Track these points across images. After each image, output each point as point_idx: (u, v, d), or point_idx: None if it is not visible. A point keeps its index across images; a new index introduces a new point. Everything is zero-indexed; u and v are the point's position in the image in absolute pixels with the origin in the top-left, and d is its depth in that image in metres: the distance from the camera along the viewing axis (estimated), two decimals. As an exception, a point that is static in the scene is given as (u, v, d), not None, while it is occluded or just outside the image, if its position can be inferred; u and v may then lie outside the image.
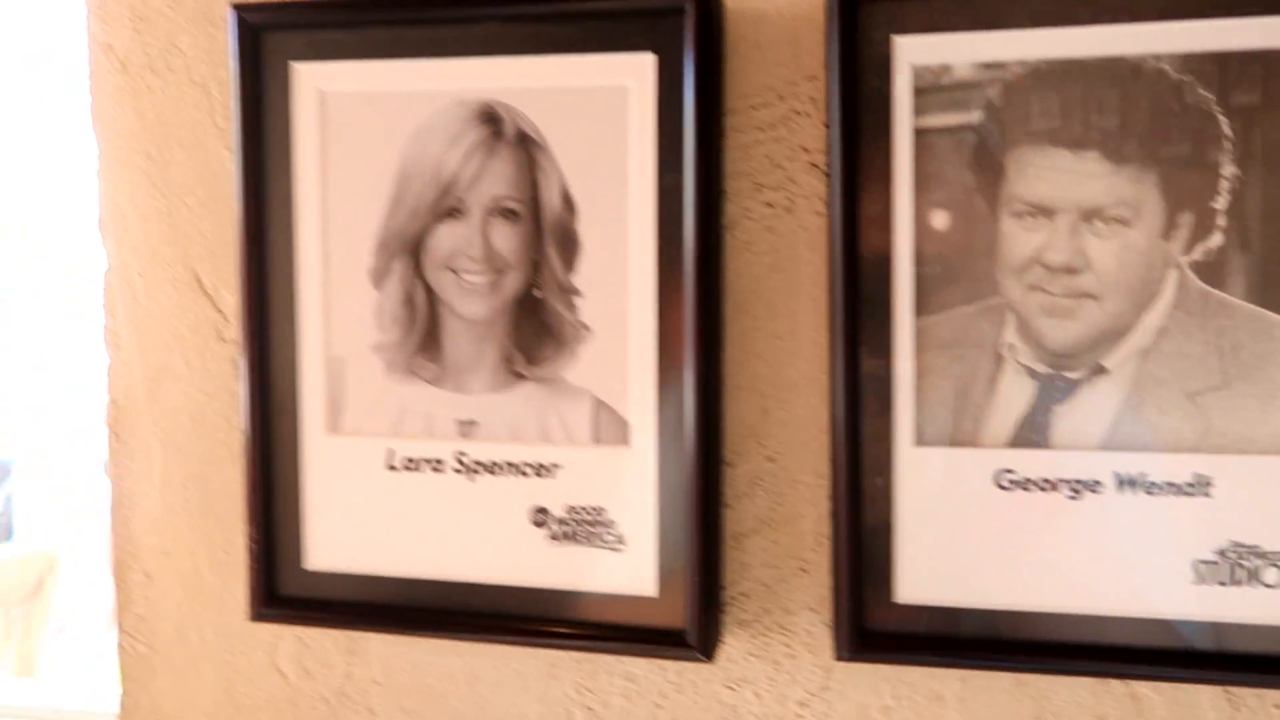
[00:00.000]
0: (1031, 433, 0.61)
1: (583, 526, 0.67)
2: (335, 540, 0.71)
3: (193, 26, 0.74)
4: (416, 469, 0.69)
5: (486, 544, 0.69)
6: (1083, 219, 0.59)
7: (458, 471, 0.68)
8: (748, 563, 0.70)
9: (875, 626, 0.64)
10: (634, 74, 0.63)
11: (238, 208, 0.68)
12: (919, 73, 0.60)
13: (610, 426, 0.66)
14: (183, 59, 0.75)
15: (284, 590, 0.72)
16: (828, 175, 0.66)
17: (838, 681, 0.69)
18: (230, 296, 0.76)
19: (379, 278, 0.68)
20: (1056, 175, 0.59)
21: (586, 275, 0.65)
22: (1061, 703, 0.66)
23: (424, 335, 0.68)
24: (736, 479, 0.69)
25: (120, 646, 0.81)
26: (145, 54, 0.75)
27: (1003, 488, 0.62)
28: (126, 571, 0.80)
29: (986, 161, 0.60)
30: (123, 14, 0.75)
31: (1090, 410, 0.60)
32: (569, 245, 0.65)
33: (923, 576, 0.63)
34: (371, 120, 0.67)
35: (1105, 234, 0.59)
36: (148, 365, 0.78)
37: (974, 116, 0.60)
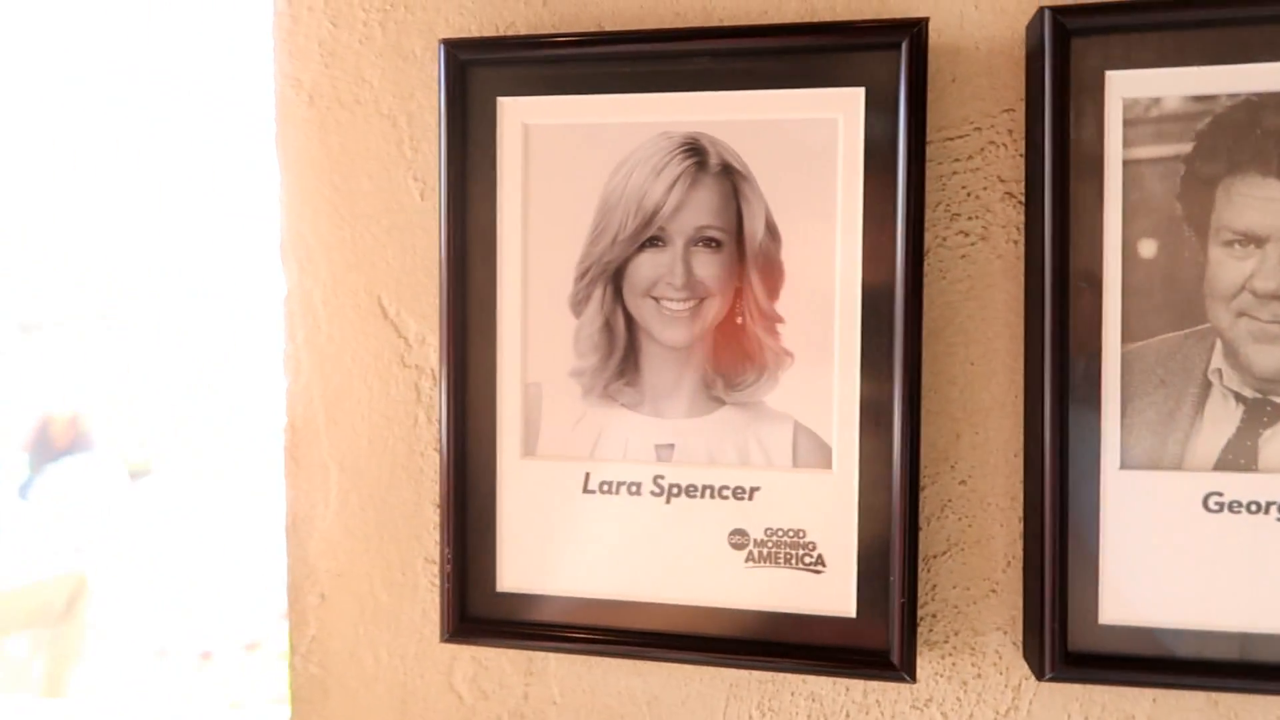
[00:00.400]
0: (1239, 456, 0.62)
1: (781, 548, 0.69)
2: (529, 563, 0.72)
3: (381, 60, 0.77)
4: (613, 492, 0.71)
5: (683, 566, 0.70)
6: (1293, 247, 0.60)
7: (655, 494, 0.70)
8: (937, 584, 0.71)
9: (1078, 647, 0.65)
10: (844, 107, 0.65)
11: (441, 235, 0.70)
12: (1129, 105, 0.62)
13: (811, 450, 0.68)
14: (371, 91, 0.77)
15: (475, 612, 0.73)
16: (1024, 204, 0.67)
17: (1026, 701, 0.70)
18: (414, 322, 0.77)
19: (578, 305, 0.70)
20: (1266, 205, 0.61)
21: (789, 302, 0.67)
22: (1256, 722, 0.67)
23: (622, 361, 0.70)
24: (927, 501, 0.70)
25: (292, 667, 0.82)
26: (333, 87, 0.77)
27: (1210, 510, 0.63)
28: (301, 593, 0.82)
29: (1195, 192, 0.62)
30: (312, 49, 0.78)
31: (1299, 434, 0.62)
32: (773, 273, 0.67)
33: (1127, 598, 0.64)
34: (575, 151, 0.69)
35: (1316, 262, 0.60)
36: (327, 389, 0.80)
37: (1183, 148, 0.62)
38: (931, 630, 0.71)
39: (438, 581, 0.78)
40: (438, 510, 0.78)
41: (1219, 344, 0.62)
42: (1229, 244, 0.62)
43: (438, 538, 0.78)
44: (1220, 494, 0.63)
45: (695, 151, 0.67)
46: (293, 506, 0.82)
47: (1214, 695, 0.67)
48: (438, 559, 0.78)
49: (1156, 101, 0.62)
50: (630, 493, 0.70)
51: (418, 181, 0.77)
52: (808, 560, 0.68)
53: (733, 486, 0.69)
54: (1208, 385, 0.63)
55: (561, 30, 0.72)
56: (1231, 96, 0.61)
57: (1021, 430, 0.69)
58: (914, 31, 0.62)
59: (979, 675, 0.71)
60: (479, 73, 0.69)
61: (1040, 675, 0.65)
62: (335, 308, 0.79)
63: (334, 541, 0.81)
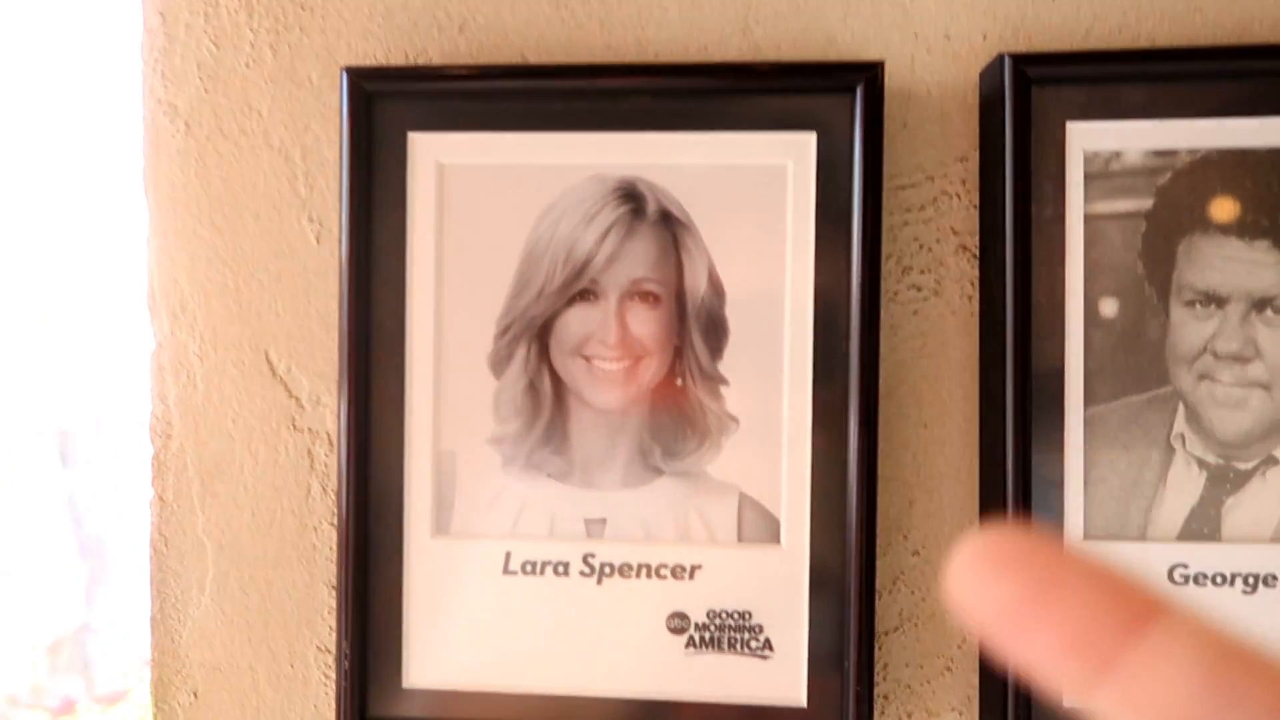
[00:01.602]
0: (1203, 525, 0.60)
1: (725, 632, 0.62)
2: (441, 654, 0.64)
3: (272, 87, 0.68)
4: (538, 573, 0.63)
5: (617, 654, 0.63)
6: (1254, 308, 0.58)
7: (585, 575, 0.63)
8: (889, 662, 0.66)
9: (1041, 731, 0.61)
10: (793, 153, 0.60)
11: (342, 283, 0.62)
12: (1089, 158, 0.59)
13: (758, 523, 0.62)
14: (259, 121, 0.68)
15: (378, 711, 0.64)
16: (978, 258, 0.64)
17: (983, 787, 0.66)
18: (307, 380, 0.68)
19: (499, 364, 0.63)
20: (1228, 264, 0.58)
21: (734, 362, 0.61)
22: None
23: (549, 426, 0.63)
24: (879, 574, 0.65)
25: (158, 777, 0.71)
26: (214, 115, 0.68)
27: (1176, 583, 0.60)
28: (169, 690, 0.71)
29: (1157, 249, 0.59)
30: (189, 72, 0.68)
31: (1263, 502, 0.59)
32: (716, 331, 0.61)
33: (1092, 677, 0.60)
34: (496, 194, 0.62)
35: (1276, 323, 0.58)
36: (203, 457, 0.70)
37: (1145, 204, 0.59)
38: (883, 713, 0.66)
39: (333, 674, 0.68)
40: (334, 593, 0.68)
41: (1182, 408, 0.60)
42: (1190, 304, 0.59)
43: (333, 624, 0.68)
44: (1185, 565, 0.60)
45: (631, 197, 0.61)
46: (160, 591, 0.71)
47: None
48: (333, 648, 0.68)
49: (1118, 155, 0.59)
50: (557, 573, 0.63)
51: (313, 223, 0.68)
52: (754, 645, 0.62)
53: (671, 565, 0.62)
54: (1171, 451, 0.60)
55: (481, 61, 0.65)
56: (1192, 152, 0.59)
57: (977, 497, 0.65)
58: (870, 75, 0.58)
59: (933, 761, 0.66)
60: (387, 105, 0.62)
61: (1004, 764, 0.60)
62: (214, 364, 0.69)
63: (209, 630, 0.70)
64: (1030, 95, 0.58)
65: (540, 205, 0.62)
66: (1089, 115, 0.59)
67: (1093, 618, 0.16)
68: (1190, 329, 0.59)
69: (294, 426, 0.69)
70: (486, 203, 0.62)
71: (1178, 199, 0.59)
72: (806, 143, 0.60)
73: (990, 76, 0.61)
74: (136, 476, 0.72)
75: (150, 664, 0.71)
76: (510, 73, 0.61)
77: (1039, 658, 0.17)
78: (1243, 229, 0.58)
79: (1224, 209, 0.58)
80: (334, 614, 0.67)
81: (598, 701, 0.63)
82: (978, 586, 0.17)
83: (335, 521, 0.66)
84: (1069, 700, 0.19)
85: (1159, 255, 0.59)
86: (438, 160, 0.62)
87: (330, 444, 0.69)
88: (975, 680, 0.65)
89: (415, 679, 0.64)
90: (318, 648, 0.70)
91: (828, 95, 0.59)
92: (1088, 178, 0.59)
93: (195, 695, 0.71)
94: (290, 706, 0.70)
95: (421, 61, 0.66)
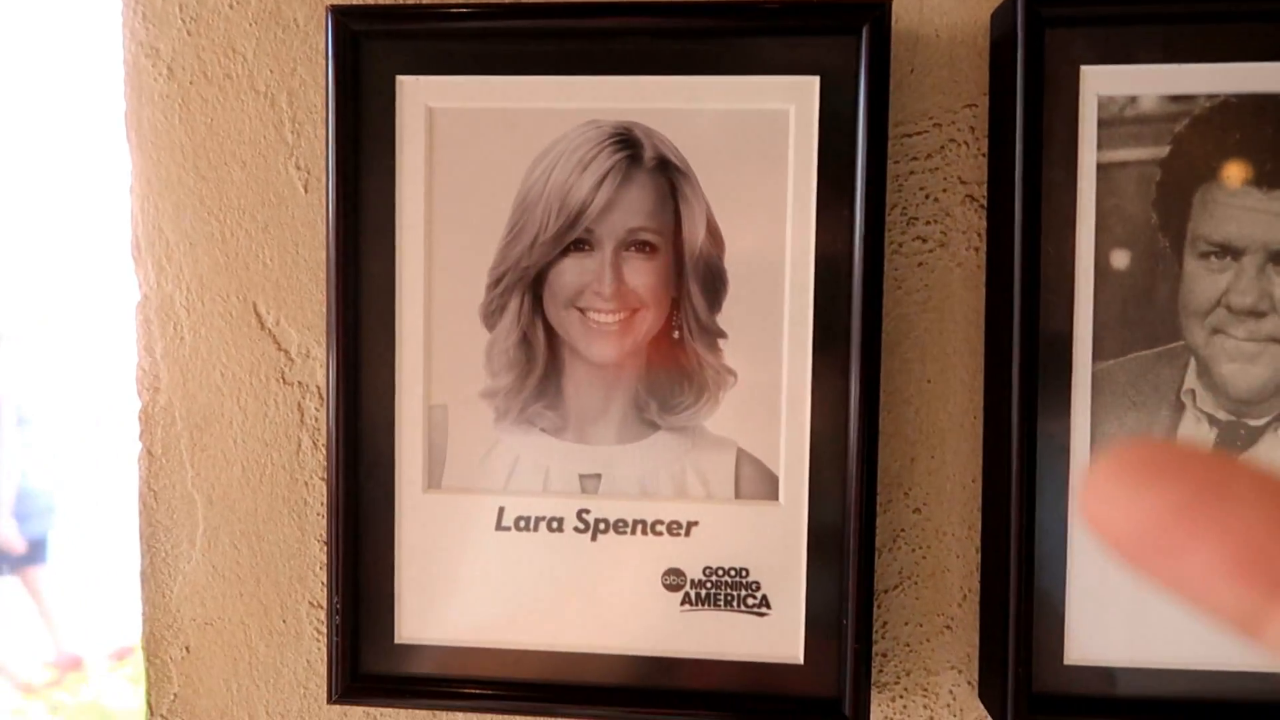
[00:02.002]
0: (1211, 483, 0.58)
1: (722, 589, 0.61)
2: (434, 610, 0.63)
3: (257, 29, 0.66)
4: (531, 529, 0.62)
5: (612, 610, 0.62)
6: (1271, 260, 0.56)
7: (579, 531, 0.62)
8: (888, 620, 0.65)
9: (1042, 689, 0.60)
10: (796, 97, 0.57)
11: (329, 233, 0.60)
12: (1104, 103, 0.57)
13: (755, 479, 0.60)
14: (244, 65, 0.66)
15: (370, 667, 0.64)
16: (986, 209, 0.62)
17: (981, 745, 0.65)
18: (296, 333, 0.67)
19: (492, 316, 0.61)
20: (1244, 214, 0.56)
21: (733, 315, 0.60)
22: (1216, 760, 0.63)
23: (542, 380, 0.61)
24: (879, 532, 0.64)
25: (152, 731, 0.71)
26: (198, 58, 0.66)
27: (1182, 541, 0.58)
28: (161, 646, 0.70)
29: (1171, 199, 0.57)
30: (172, 13, 0.66)
31: (1274, 459, 0.58)
32: (714, 282, 0.59)
33: (1095, 636, 0.59)
34: (488, 140, 0.60)
35: (1293, 276, 0.56)
36: (192, 410, 0.68)
37: (1160, 152, 0.57)
38: (881, 671, 0.65)
39: (325, 630, 0.68)
40: (324, 549, 0.67)
41: (1193, 363, 0.58)
42: (1205, 256, 0.57)
43: (325, 579, 0.67)
44: (1192, 524, 0.58)
45: (628, 144, 0.59)
46: (150, 546, 0.70)
47: (1175, 734, 0.63)
48: (325, 604, 0.68)
49: (1133, 100, 0.57)
50: (551, 529, 0.62)
51: (301, 171, 0.66)
52: (751, 602, 0.61)
53: (667, 521, 0.61)
54: (1180, 407, 0.58)
55: (472, 0, 0.62)
56: (1210, 97, 0.56)
57: (980, 454, 0.63)
58: (876, 16, 0.56)
59: (931, 718, 0.65)
60: (374, 47, 0.59)
61: (1003, 723, 0.59)
62: (201, 315, 0.68)
63: (201, 586, 0.70)
64: (1043, 37, 0.56)
65: (533, 151, 0.59)
66: (1104, 59, 0.56)
67: (1268, 533, 0.14)
68: (1204, 282, 0.57)
69: (283, 380, 0.68)
70: (478, 149, 0.60)
71: (1194, 147, 0.57)
72: (809, 87, 0.57)
73: (1002, 18, 0.58)
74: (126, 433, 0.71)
75: (142, 618, 0.71)
76: (503, 12, 0.58)
77: (1197, 581, 0.15)
78: (1261, 178, 0.56)
79: (1242, 157, 0.56)
80: (325, 569, 0.66)
81: (592, 658, 0.62)
82: (1125, 497, 0.15)
83: (326, 476, 0.64)
84: (1230, 633, 0.16)
85: (1173, 205, 0.57)
86: (427, 104, 0.60)
87: (321, 398, 0.67)
88: (975, 639, 0.64)
89: (408, 635, 0.63)
90: (310, 603, 0.69)
91: (832, 37, 0.56)
92: (1101, 124, 0.57)
93: (187, 650, 0.70)
94: (283, 662, 0.69)
95: (410, 0, 0.64)
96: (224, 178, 0.67)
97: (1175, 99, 0.56)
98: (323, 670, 0.69)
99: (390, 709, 0.68)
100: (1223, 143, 0.56)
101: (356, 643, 0.63)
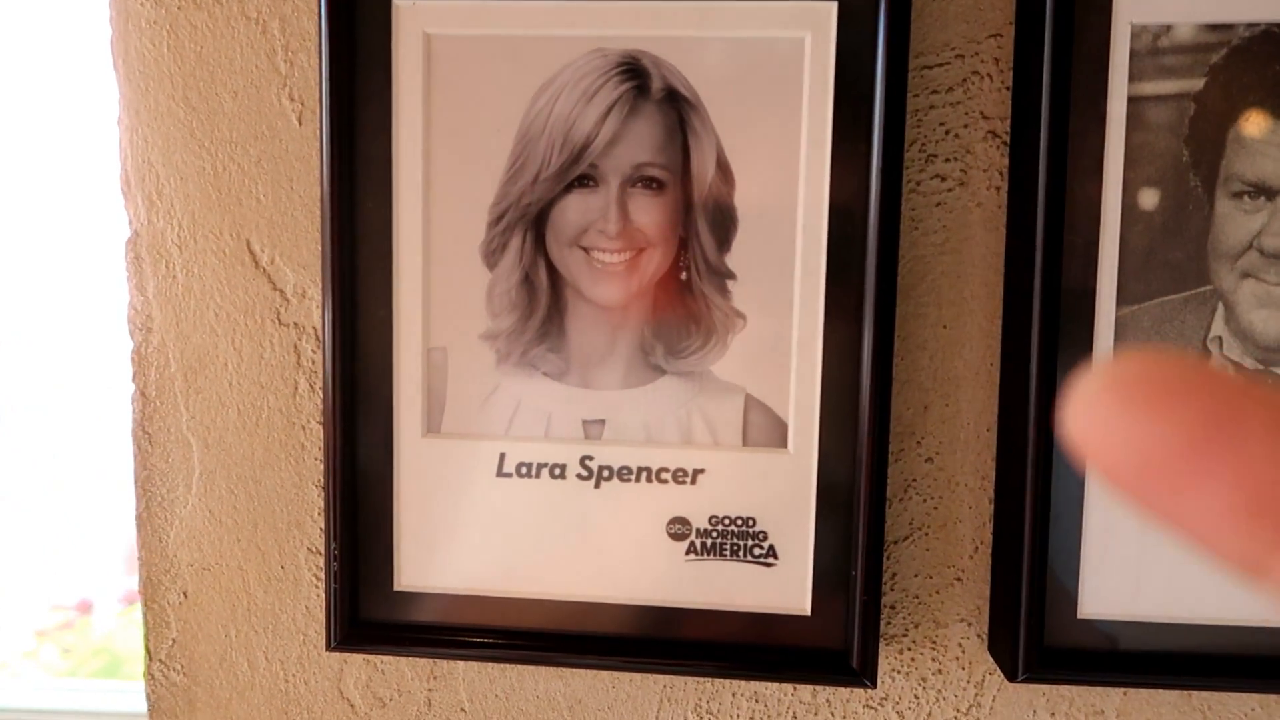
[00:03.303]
0: (1236, 433, 0.56)
1: (728, 539, 0.60)
2: (434, 557, 0.62)
3: (247, -49, 0.63)
4: (533, 475, 0.60)
5: (614, 560, 0.60)
6: (1307, 201, 0.54)
7: (583, 478, 0.60)
8: (898, 572, 0.63)
9: (1054, 643, 0.58)
10: (812, 24, 0.55)
11: (323, 168, 0.58)
12: (1136, 33, 0.54)
13: (764, 427, 0.59)
14: (234, -10, 0.63)
15: (369, 614, 0.62)
16: (1009, 146, 0.59)
17: (990, 698, 0.64)
18: (292, 272, 0.65)
19: (492, 255, 0.59)
20: (1281, 152, 0.54)
21: (743, 256, 0.57)
22: (1230, 715, 0.62)
23: (545, 322, 0.59)
24: (890, 481, 0.62)
25: (149, 675, 0.70)
26: (186, -18, 0.63)
27: (1204, 493, 0.56)
28: (158, 590, 0.69)
29: (1204, 135, 0.54)
30: (158, -67, 0.63)
31: (1302, 409, 0.56)
32: (724, 221, 0.57)
33: (1110, 589, 0.58)
34: (488, 69, 0.57)
35: (1331, 218, 0.54)
36: (185, 351, 0.67)
37: (1194, 85, 0.54)
38: (889, 623, 0.64)
39: (323, 576, 0.66)
40: (322, 494, 0.66)
41: (1221, 308, 0.55)
42: (1238, 196, 0.54)
43: (323, 525, 0.66)
44: (1215, 476, 0.56)
45: (635, 73, 0.56)
46: (146, 489, 0.69)
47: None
48: (323, 549, 0.66)
49: (1167, 29, 0.54)
50: (553, 476, 0.60)
51: (294, 102, 0.63)
52: (757, 552, 0.60)
53: (673, 469, 0.59)
54: (1207, 354, 0.56)
55: (471, -80, 0.59)
56: (1250, 27, 0.53)
57: (996, 403, 0.61)
58: (898, -65, 0.52)
59: (939, 671, 0.64)
60: (369, -32, 0.57)
61: (1013, 676, 0.58)
62: (194, 253, 0.66)
63: (197, 530, 0.68)
64: (1074, -39, 0.53)
65: (536, 81, 0.57)
66: (1139, -16, 0.53)
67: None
68: (1236, 223, 0.55)
69: (279, 320, 0.66)
70: (478, 78, 0.57)
71: (1231, 80, 0.54)
72: (826, 13, 0.54)
73: (1031, -59, 0.55)
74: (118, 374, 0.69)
75: (139, 563, 0.69)
76: (503, -67, 0.55)
77: (1205, 517, 0.13)
78: (1301, 114, 0.53)
79: (1281, 91, 0.53)
80: (324, 515, 0.65)
81: (595, 607, 0.61)
82: (1121, 421, 0.13)
83: (324, 420, 0.63)
84: (1234, 576, 0.14)
85: (1207, 142, 0.54)
86: (425, 30, 0.57)
87: (318, 339, 0.65)
88: (986, 591, 0.63)
89: (407, 582, 0.62)
90: (308, 549, 0.68)
91: (851, -40, 0.53)
92: (1133, 55, 0.54)
93: (185, 595, 0.69)
94: (281, 608, 0.68)
95: (407, -77, 0.60)
96: (215, 109, 0.64)
97: (1213, 28, 0.53)
98: (321, 617, 0.68)
99: (389, 656, 0.67)
100: (1262, 75, 0.53)
101: (355, 589, 0.62)
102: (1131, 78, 0.54)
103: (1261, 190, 0.54)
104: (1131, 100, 0.54)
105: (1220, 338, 0.56)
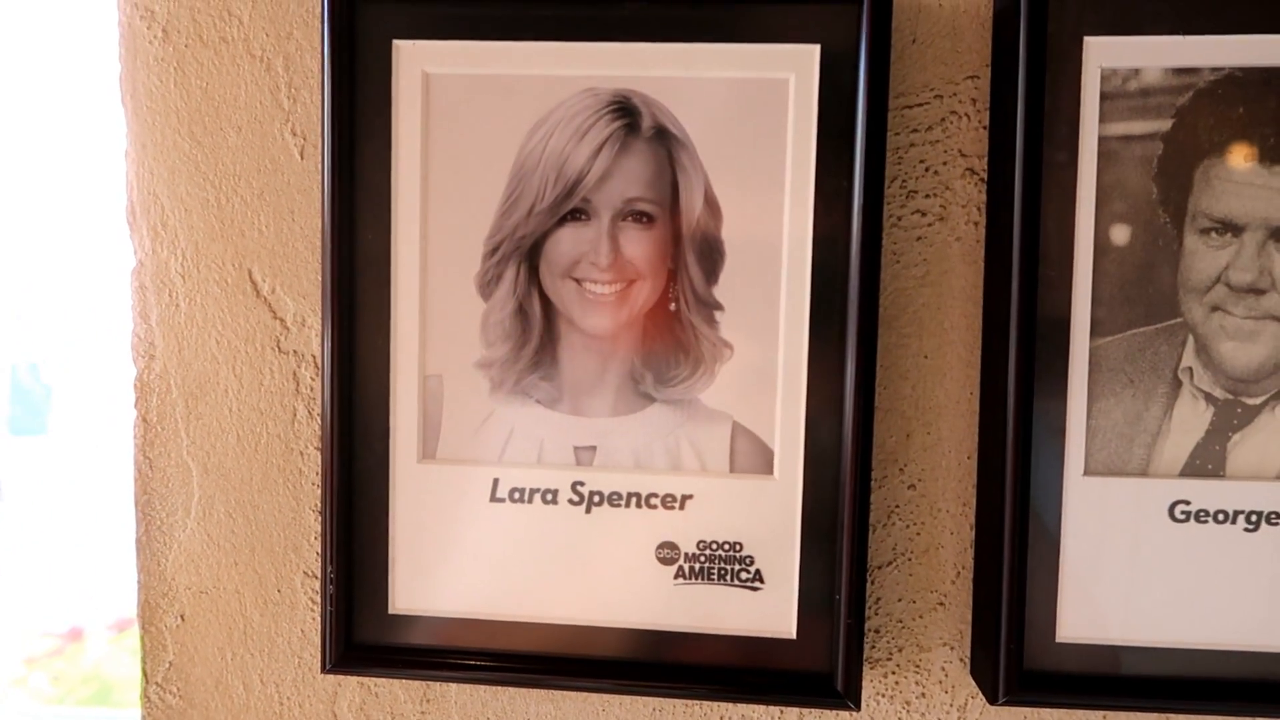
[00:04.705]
0: (1207, 461, 0.58)
1: (715, 563, 0.61)
2: (428, 580, 0.63)
3: (252, -8, 0.65)
4: (525, 500, 0.62)
5: (605, 583, 0.62)
6: (1272, 237, 0.56)
7: (574, 503, 0.62)
8: (881, 596, 0.65)
9: (1034, 666, 0.60)
10: (796, 66, 0.57)
11: (324, 201, 0.60)
12: (1106, 76, 0.56)
13: (750, 453, 0.60)
14: (240, 28, 0.65)
15: (364, 637, 0.64)
16: (986, 182, 0.61)
17: (972, 720, 0.65)
18: (292, 301, 0.67)
19: (487, 286, 0.61)
20: (1245, 190, 0.56)
21: (730, 287, 0.59)
22: (1207, 738, 0.63)
23: (538, 351, 0.61)
24: (874, 508, 0.64)
25: (146, 698, 0.71)
26: (193, 21, 0.65)
27: (1177, 520, 0.58)
28: (156, 614, 0.70)
29: (1173, 174, 0.56)
30: (167, -26, 0.65)
31: (1270, 438, 0.57)
32: (711, 254, 0.59)
33: (1088, 613, 0.59)
34: (485, 107, 0.59)
35: (1295, 254, 0.56)
36: (187, 378, 0.68)
37: (1162, 125, 0.56)
38: (874, 647, 0.65)
39: (319, 600, 0.68)
40: (319, 519, 0.67)
41: (1190, 340, 0.57)
42: (1205, 232, 0.57)
43: (319, 549, 0.67)
44: (1187, 502, 0.58)
45: (625, 112, 0.58)
46: (145, 513, 0.70)
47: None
48: (319, 573, 0.68)
49: (1136, 73, 0.56)
50: (545, 501, 0.62)
51: (297, 136, 0.65)
52: (744, 576, 0.61)
53: (662, 494, 0.61)
54: (1177, 385, 0.58)
55: (469, -36, 0.62)
56: (1215, 70, 0.56)
57: (976, 431, 0.63)
58: (878, -18, 0.55)
59: (923, 694, 0.65)
60: (370, 10, 0.59)
61: (994, 699, 0.59)
62: (197, 282, 0.67)
63: (195, 554, 0.70)
64: (1046, 8, 0.55)
65: (531, 119, 0.59)
66: (1107, 30, 0.56)
67: None
68: (1204, 258, 0.57)
69: (279, 348, 0.67)
70: (475, 115, 0.59)
71: (1198, 120, 0.56)
72: (810, 55, 0.57)
73: (1005, -12, 0.57)
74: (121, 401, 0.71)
75: (137, 586, 0.71)
76: (499, -22, 0.58)
77: None
78: (1264, 153, 0.56)
79: (1246, 132, 0.56)
80: (320, 539, 0.66)
81: (586, 630, 0.62)
82: None
83: (322, 446, 0.64)
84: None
85: (1175, 180, 0.56)
86: (424, 70, 0.59)
87: (316, 367, 0.67)
88: (968, 616, 0.64)
89: (402, 605, 0.63)
90: (304, 573, 0.69)
91: (833, 5, 0.56)
92: (1104, 97, 0.56)
93: (182, 618, 0.70)
94: (277, 631, 0.70)
95: (408, -33, 0.63)
96: (219, 143, 0.66)
97: (1179, 71, 0.56)
98: (317, 640, 0.69)
99: (384, 679, 0.68)
100: (1226, 117, 0.56)
101: (350, 613, 0.63)
102: (1102, 118, 0.56)
103: (1228, 226, 0.56)
104: (1102, 139, 0.56)
105: (1191, 369, 0.58)
